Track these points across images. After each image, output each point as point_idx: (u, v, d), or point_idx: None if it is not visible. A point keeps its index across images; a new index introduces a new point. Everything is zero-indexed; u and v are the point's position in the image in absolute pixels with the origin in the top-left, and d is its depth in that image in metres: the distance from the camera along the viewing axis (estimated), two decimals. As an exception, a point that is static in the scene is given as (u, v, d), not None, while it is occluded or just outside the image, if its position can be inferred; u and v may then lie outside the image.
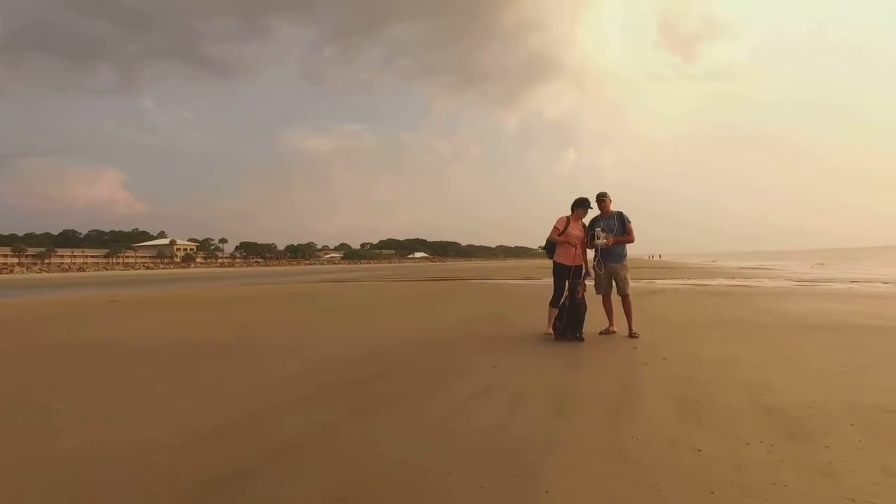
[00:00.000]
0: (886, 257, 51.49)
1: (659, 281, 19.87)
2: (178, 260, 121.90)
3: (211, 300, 15.49)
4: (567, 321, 6.52)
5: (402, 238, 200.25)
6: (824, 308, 9.49)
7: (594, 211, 7.10)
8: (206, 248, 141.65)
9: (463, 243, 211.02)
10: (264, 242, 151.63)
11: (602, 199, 7.08)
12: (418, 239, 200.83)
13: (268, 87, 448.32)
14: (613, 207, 7.11)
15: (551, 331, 6.84)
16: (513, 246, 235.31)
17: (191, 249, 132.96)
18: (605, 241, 6.88)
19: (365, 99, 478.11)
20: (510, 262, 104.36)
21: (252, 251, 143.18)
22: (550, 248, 7.22)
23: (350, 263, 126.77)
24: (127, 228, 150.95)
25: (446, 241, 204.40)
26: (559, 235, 7.01)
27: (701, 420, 3.35)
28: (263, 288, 22.28)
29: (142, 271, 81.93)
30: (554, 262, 7.14)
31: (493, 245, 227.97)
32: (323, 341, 6.98)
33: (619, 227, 7.00)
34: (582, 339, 6.46)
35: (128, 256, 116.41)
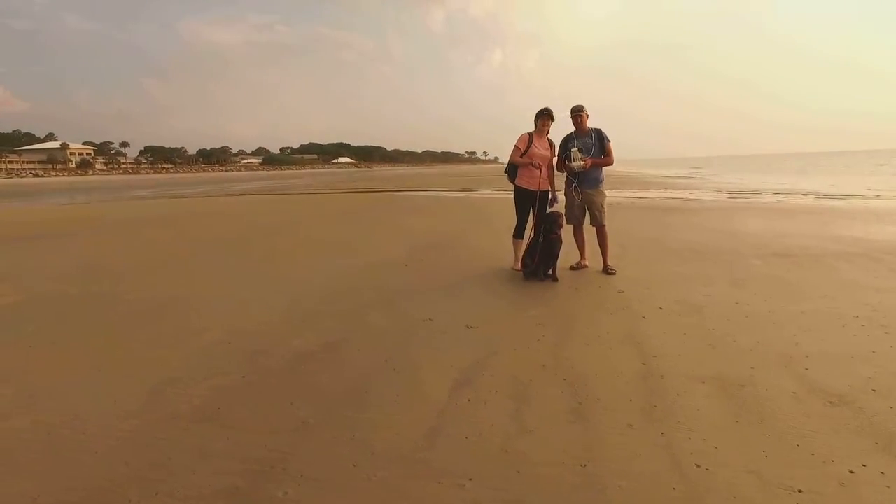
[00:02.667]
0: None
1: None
2: (74, 166, 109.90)
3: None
4: (540, 258, 5.66)
5: (324, 142, 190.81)
6: (778, 228, 9.25)
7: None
8: (106, 153, 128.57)
9: (388, 148, 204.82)
10: (173, 146, 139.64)
11: (578, 112, 6.01)
12: (342, 143, 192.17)
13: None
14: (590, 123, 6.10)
15: (519, 267, 6.00)
16: (440, 151, 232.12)
17: (87, 154, 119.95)
18: (582, 163, 5.90)
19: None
20: (438, 169, 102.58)
21: (160, 156, 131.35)
22: (512, 171, 6.25)
23: (270, 169, 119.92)
24: (6, 129, 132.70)
25: (371, 146, 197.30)
26: (521, 156, 6.00)
27: (763, 420, 2.61)
28: (188, 203, 19.92)
29: (29, 179, 73.24)
30: (515, 186, 6.19)
31: (420, 150, 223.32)
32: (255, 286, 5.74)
33: (597, 146, 6.02)
34: (556, 279, 5.65)
35: (11, 161, 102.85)
